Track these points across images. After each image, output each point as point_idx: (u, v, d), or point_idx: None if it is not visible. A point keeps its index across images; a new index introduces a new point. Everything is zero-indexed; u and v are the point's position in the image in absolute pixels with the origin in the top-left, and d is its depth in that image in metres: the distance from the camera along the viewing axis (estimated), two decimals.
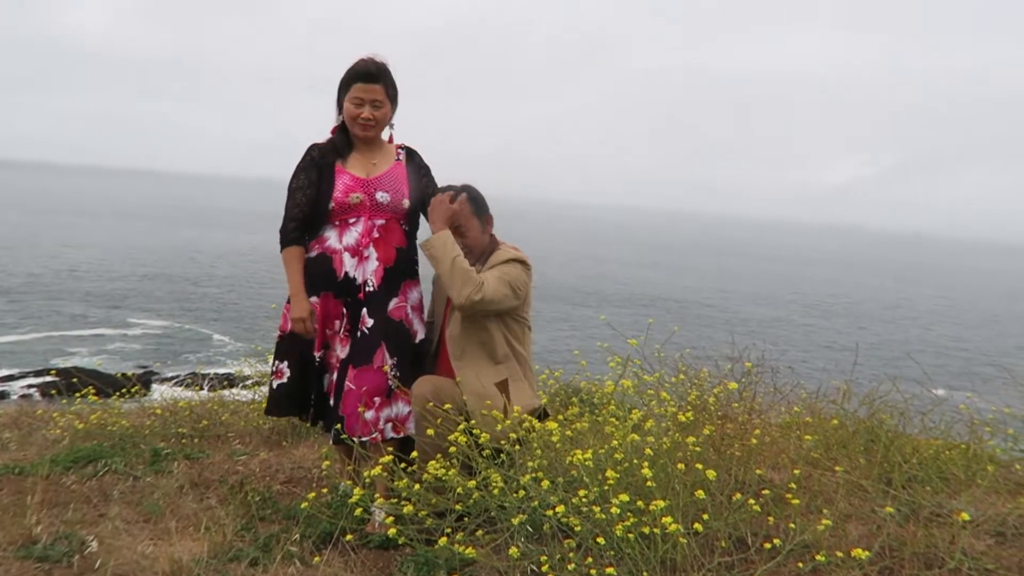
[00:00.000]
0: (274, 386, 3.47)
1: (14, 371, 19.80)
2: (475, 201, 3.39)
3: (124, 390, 5.76)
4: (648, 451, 2.66)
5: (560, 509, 2.51)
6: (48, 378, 17.35)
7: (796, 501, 2.58)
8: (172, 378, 16.06)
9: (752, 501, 2.52)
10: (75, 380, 7.51)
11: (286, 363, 3.46)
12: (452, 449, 2.83)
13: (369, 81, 3.32)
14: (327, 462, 3.59)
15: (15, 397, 16.39)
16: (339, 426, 3.27)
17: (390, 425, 3.29)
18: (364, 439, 3.22)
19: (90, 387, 5.36)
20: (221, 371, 11.56)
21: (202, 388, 5.87)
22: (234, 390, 5.62)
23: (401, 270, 3.44)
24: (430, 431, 3.00)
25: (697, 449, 2.70)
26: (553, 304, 36.69)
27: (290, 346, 3.45)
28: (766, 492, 2.63)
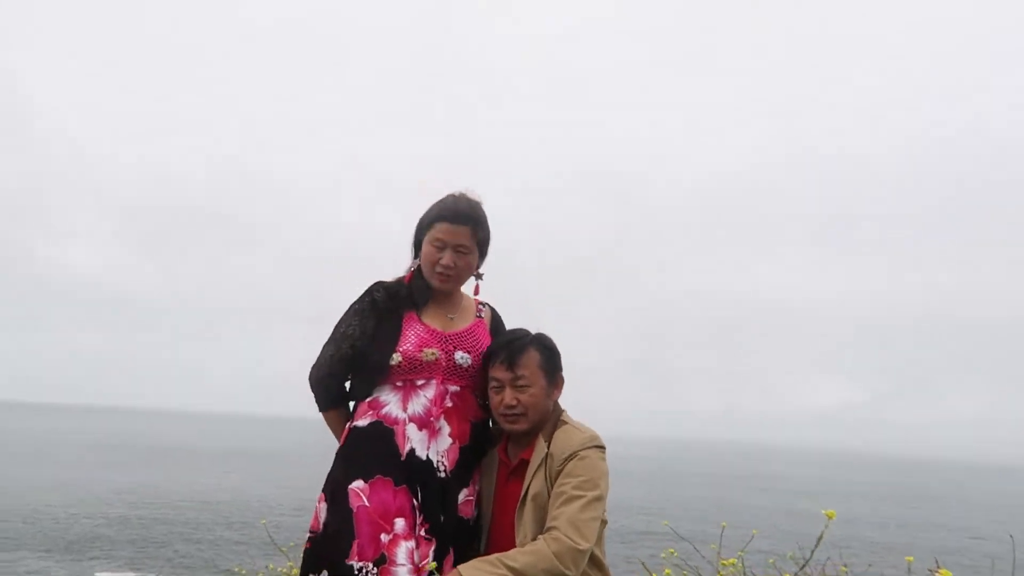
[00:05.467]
0: None
1: None
2: (546, 353, 2.66)
3: None
4: None
5: None
6: None
7: None
8: None
9: None
10: None
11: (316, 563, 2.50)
12: None
13: (456, 222, 2.61)
14: None
15: None
16: None
17: None
18: None
19: None
20: None
21: None
22: None
23: (476, 452, 2.67)
24: None
25: None
26: None
27: (326, 552, 2.48)
28: None
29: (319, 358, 2.72)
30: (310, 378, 2.74)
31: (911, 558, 2.27)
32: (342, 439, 2.69)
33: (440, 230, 2.62)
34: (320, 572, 2.49)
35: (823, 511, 2.26)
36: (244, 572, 5.11)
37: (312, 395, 2.76)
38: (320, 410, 2.75)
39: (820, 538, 2.33)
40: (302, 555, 2.62)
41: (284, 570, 4.47)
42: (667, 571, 2.61)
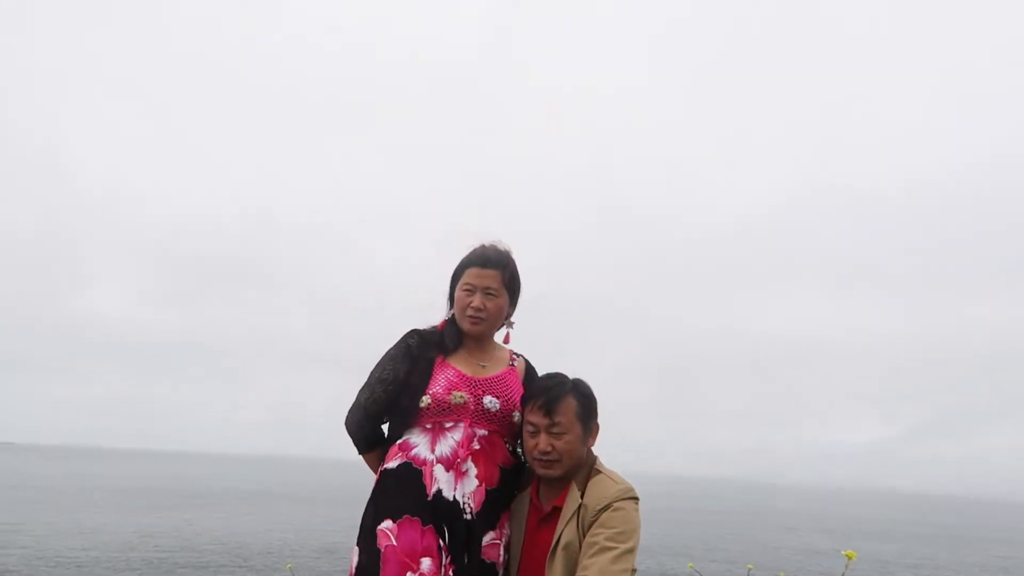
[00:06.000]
0: None
1: None
2: (584, 401, 2.71)
3: None
4: None
5: None
6: None
7: None
8: None
9: None
10: None
11: None
12: None
13: (485, 267, 2.76)
14: None
15: None
16: None
17: None
18: None
19: None
20: None
21: None
22: None
23: (503, 496, 2.72)
24: None
25: None
26: None
27: None
28: None
29: (354, 403, 2.80)
30: (346, 422, 2.82)
31: None
32: (375, 482, 2.74)
33: (470, 275, 2.76)
34: None
35: (843, 552, 2.23)
36: None
37: (350, 439, 2.84)
38: (359, 453, 2.83)
39: None
40: None
41: None
42: None
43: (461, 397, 2.68)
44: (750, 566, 2.56)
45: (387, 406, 2.76)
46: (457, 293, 2.80)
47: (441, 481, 2.60)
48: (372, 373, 2.79)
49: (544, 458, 2.65)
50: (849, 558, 2.20)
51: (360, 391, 2.79)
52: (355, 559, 2.64)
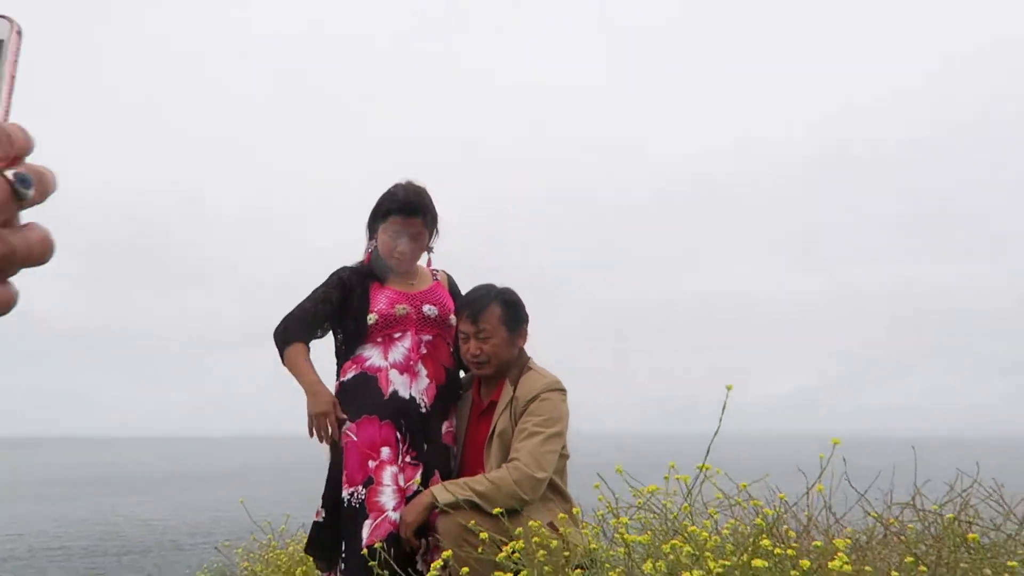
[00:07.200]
0: (313, 524, 3.04)
1: None
2: (508, 307, 3.06)
3: None
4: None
5: None
6: None
7: None
8: None
9: None
10: None
11: (321, 502, 3.03)
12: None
13: (408, 214, 3.00)
14: None
15: None
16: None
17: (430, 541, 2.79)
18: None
19: None
20: None
21: None
22: None
23: (451, 392, 3.11)
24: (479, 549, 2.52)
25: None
26: None
27: (328, 493, 3.00)
28: None
29: (285, 316, 3.04)
30: (274, 332, 3.04)
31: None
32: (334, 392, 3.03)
33: (395, 222, 3.00)
34: (324, 499, 2.96)
35: (831, 439, 2.32)
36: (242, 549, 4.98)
37: (276, 347, 3.02)
38: (284, 349, 2.97)
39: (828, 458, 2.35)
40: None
41: (266, 541, 4.61)
42: (640, 498, 2.62)
43: (403, 309, 3.02)
44: (706, 466, 2.54)
45: (316, 323, 3.03)
46: (381, 236, 3.04)
47: (396, 383, 2.94)
48: (307, 298, 3.07)
49: (475, 360, 3.03)
50: (835, 444, 2.32)
51: (294, 308, 3.06)
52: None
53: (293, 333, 3.02)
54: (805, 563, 2.05)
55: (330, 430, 2.87)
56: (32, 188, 0.59)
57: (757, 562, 2.01)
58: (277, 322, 3.09)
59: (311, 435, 2.90)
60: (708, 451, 2.29)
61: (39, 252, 0.60)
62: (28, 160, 0.59)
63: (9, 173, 0.59)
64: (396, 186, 3.06)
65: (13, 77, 0.61)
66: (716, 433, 2.23)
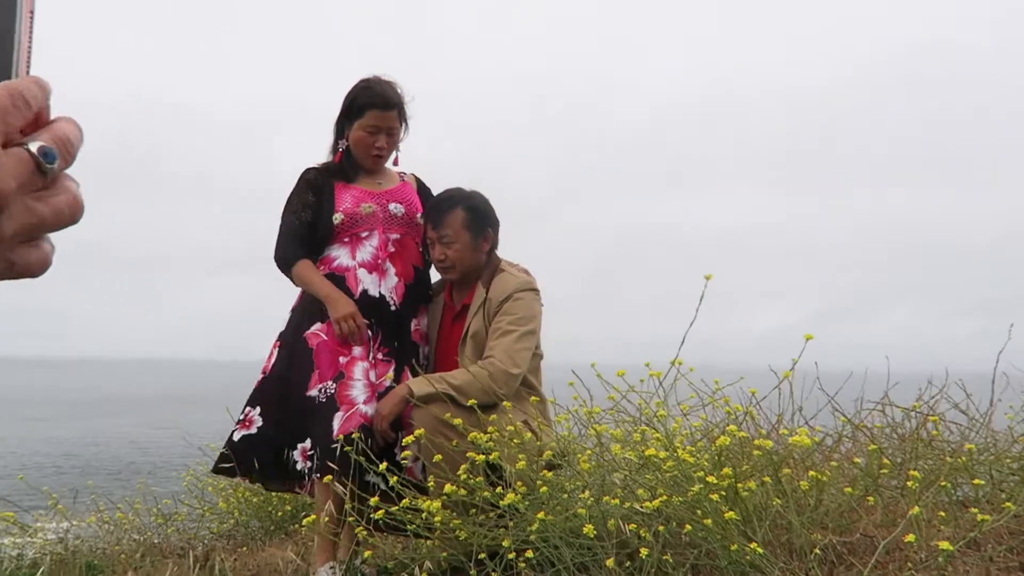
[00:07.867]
0: (235, 438, 2.87)
1: None
2: (472, 212, 3.02)
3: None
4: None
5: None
6: None
7: None
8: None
9: None
10: None
11: (258, 409, 2.91)
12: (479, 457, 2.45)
13: (387, 108, 2.96)
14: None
15: None
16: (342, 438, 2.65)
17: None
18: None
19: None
20: None
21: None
22: None
23: (420, 290, 3.10)
24: (454, 441, 2.58)
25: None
26: None
27: (271, 390, 2.93)
28: None
29: (280, 234, 3.02)
30: (275, 255, 3.01)
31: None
32: (297, 299, 3.06)
33: (373, 117, 2.95)
34: (259, 406, 2.89)
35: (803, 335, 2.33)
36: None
37: (282, 270, 3.01)
38: (291, 265, 2.97)
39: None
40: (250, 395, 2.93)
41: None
42: (611, 395, 2.68)
43: (369, 208, 2.97)
44: (679, 361, 2.58)
45: (307, 232, 2.98)
46: (357, 133, 2.98)
47: (366, 282, 2.92)
48: (282, 213, 3.02)
49: (441, 264, 3.03)
50: (807, 339, 2.31)
51: (280, 229, 3.02)
52: (274, 357, 2.95)
53: (292, 253, 2.99)
54: (768, 443, 2.10)
55: (359, 330, 2.85)
56: (57, 161, 0.57)
57: (722, 440, 2.06)
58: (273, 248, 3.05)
59: (341, 339, 2.85)
60: (682, 343, 2.32)
61: (69, 215, 0.59)
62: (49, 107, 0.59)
63: (33, 147, 0.56)
64: (367, 80, 3.00)
65: (31, 29, 0.60)
66: (691, 324, 2.24)
